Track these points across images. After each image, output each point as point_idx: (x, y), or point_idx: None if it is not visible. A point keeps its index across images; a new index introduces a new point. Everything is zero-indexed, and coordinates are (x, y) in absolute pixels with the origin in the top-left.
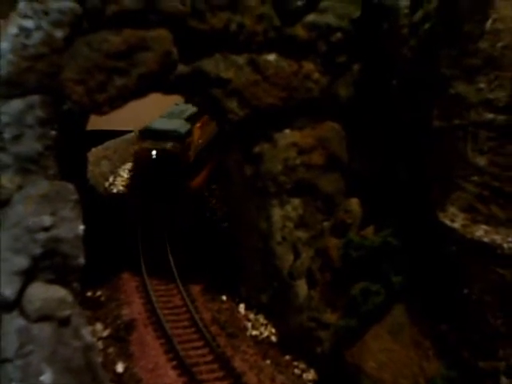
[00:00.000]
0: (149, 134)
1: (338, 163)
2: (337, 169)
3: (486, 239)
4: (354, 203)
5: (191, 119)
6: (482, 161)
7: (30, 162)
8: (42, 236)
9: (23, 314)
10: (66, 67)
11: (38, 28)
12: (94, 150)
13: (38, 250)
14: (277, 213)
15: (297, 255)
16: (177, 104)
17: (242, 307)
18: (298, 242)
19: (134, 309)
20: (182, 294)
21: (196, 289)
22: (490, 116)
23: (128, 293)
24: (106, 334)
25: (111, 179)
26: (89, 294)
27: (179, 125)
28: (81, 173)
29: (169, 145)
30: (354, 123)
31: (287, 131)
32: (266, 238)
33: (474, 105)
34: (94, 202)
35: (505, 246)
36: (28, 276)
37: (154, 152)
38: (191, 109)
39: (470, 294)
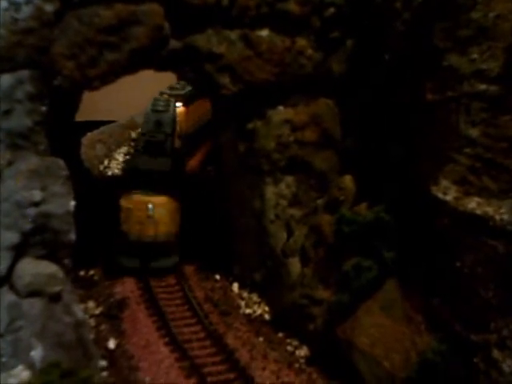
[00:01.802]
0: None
1: (332, 140)
2: (330, 146)
3: (478, 211)
4: (348, 180)
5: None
6: (474, 132)
7: (20, 138)
8: (32, 211)
9: (13, 289)
10: (57, 42)
11: (28, 2)
12: (89, 134)
13: (28, 226)
14: (270, 191)
15: (290, 233)
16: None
17: (235, 286)
18: (292, 220)
19: (126, 287)
20: (176, 272)
21: (190, 268)
22: (483, 87)
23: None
24: (98, 311)
25: (106, 162)
26: (82, 273)
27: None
28: (74, 152)
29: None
30: (348, 99)
31: (280, 108)
32: (259, 216)
33: (466, 76)
34: (88, 184)
35: (497, 217)
36: (18, 251)
37: (150, 206)
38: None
39: (462, 267)
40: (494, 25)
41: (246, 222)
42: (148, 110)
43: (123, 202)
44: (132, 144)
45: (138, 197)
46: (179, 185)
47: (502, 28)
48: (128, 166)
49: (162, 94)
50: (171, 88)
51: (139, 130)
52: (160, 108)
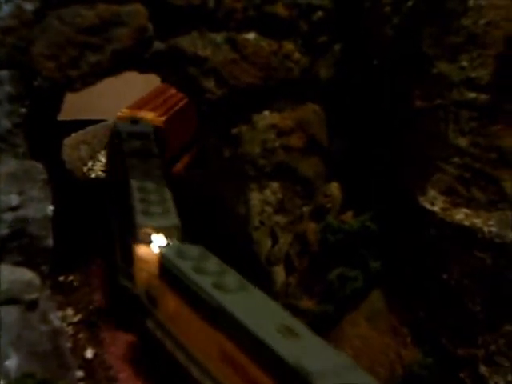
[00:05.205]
0: None
1: (318, 146)
2: (317, 152)
3: (466, 223)
4: (334, 187)
5: None
6: (463, 142)
7: None
8: (9, 216)
9: None
10: (37, 42)
11: (8, 1)
12: (73, 134)
13: (4, 231)
14: (255, 197)
15: (275, 240)
16: None
17: None
18: (277, 227)
19: (107, 294)
20: None
21: None
22: (472, 95)
23: (102, 278)
24: (76, 319)
25: (90, 164)
26: (61, 278)
27: None
28: (55, 154)
29: None
30: (335, 105)
31: (266, 113)
32: (243, 222)
33: (455, 84)
34: (70, 187)
35: (485, 229)
36: None
37: None
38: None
39: (449, 280)
40: (484, 32)
41: (229, 228)
42: None
43: None
44: None
45: None
46: None
47: (493, 35)
48: None
49: None
50: None
51: None
52: None
